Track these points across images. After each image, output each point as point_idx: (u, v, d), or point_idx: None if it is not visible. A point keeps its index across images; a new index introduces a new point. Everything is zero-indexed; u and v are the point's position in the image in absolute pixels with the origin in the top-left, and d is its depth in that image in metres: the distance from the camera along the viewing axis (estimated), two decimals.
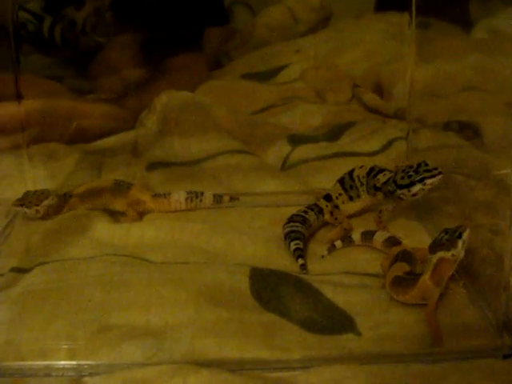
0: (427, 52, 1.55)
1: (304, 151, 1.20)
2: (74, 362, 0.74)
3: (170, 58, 1.69)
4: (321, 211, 1.01)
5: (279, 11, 1.92)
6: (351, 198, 1.02)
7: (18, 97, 1.09)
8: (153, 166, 1.17)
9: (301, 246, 0.94)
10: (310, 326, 0.80)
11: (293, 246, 0.93)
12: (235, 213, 1.05)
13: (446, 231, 0.83)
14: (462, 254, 0.82)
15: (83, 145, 1.23)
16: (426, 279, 0.81)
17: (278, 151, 1.21)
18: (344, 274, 0.91)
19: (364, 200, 1.02)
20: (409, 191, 0.95)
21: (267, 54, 1.77)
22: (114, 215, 1.04)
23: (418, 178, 0.94)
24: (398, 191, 0.96)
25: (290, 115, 1.36)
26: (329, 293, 0.86)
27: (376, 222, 1.00)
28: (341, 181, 1.03)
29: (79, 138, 1.25)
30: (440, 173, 0.94)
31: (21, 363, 0.74)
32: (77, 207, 1.05)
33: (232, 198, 1.07)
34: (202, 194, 1.05)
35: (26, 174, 1.06)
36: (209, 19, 1.83)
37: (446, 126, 1.11)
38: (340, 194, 1.02)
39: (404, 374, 0.73)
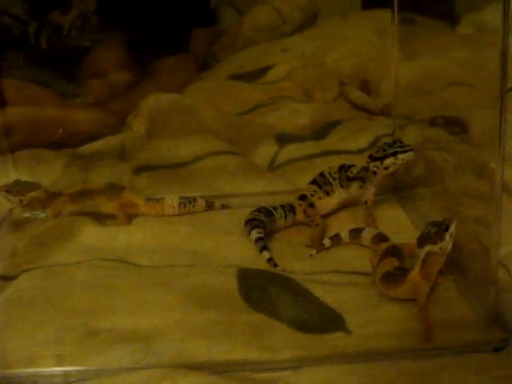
0: (412, 48, 1.55)
1: (291, 150, 1.20)
2: (61, 369, 0.73)
3: (156, 61, 1.69)
4: (292, 210, 1.01)
5: (266, 11, 1.92)
6: (328, 193, 1.02)
7: (1, 103, 1.09)
8: (140, 169, 1.16)
9: (263, 235, 0.94)
10: (299, 325, 0.79)
11: (255, 234, 0.94)
12: (223, 214, 1.05)
13: (432, 224, 0.82)
14: (450, 246, 0.81)
15: (70, 149, 1.22)
16: (415, 274, 0.81)
17: (265, 151, 1.21)
18: (333, 272, 0.90)
19: (339, 194, 1.03)
20: (381, 163, 0.99)
21: (254, 54, 1.77)
22: (102, 219, 1.03)
23: (391, 151, 0.98)
24: (372, 164, 0.99)
25: (277, 115, 1.36)
26: (318, 292, 0.85)
27: (364, 216, 1.00)
28: (313, 181, 1.03)
29: (65, 143, 1.25)
30: (412, 149, 0.99)
31: (7, 371, 0.73)
32: (66, 207, 1.04)
33: (224, 206, 1.07)
34: (195, 199, 1.05)
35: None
36: (195, 21, 1.83)
37: (433, 122, 1.11)
38: (315, 191, 1.02)
39: (396, 372, 0.73)
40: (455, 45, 1.26)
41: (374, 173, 1.00)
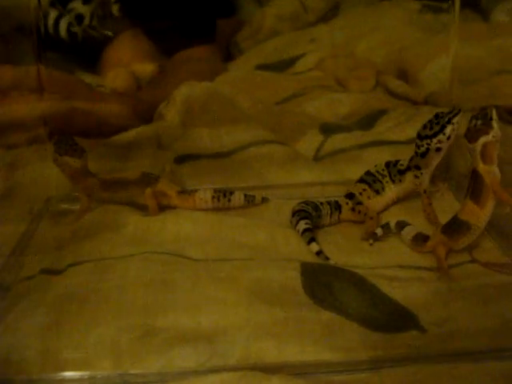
0: (446, 38, 1.50)
1: (337, 141, 1.14)
2: (119, 372, 0.67)
3: (181, 51, 1.64)
4: (338, 207, 0.95)
5: (288, 0, 1.88)
6: (378, 192, 0.96)
7: (41, 91, 1.04)
8: (181, 159, 1.10)
9: (311, 226, 0.89)
10: (370, 323, 0.74)
11: (302, 225, 0.89)
12: (271, 206, 0.99)
13: (476, 117, 0.85)
14: (499, 132, 0.83)
15: (103, 139, 1.17)
16: (481, 165, 0.83)
17: (309, 141, 1.14)
18: (397, 267, 0.85)
19: (391, 191, 0.97)
20: (443, 134, 0.93)
21: (281, 44, 1.72)
22: (142, 209, 0.97)
23: (445, 120, 0.93)
24: (434, 140, 0.93)
25: (315, 104, 1.30)
26: (385, 287, 0.79)
27: (424, 206, 0.95)
28: (360, 180, 0.97)
29: (97, 132, 1.19)
30: (459, 110, 0.94)
31: (60, 374, 0.68)
32: (97, 192, 0.98)
33: (264, 199, 1.00)
34: (232, 193, 0.97)
35: (50, 170, 0.99)
36: (215, 10, 1.79)
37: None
38: (364, 190, 0.96)
39: (483, 374, 0.67)
40: (491, 33, 1.22)
41: (438, 149, 0.94)
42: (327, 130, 1.17)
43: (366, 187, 0.96)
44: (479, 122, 0.84)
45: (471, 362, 0.69)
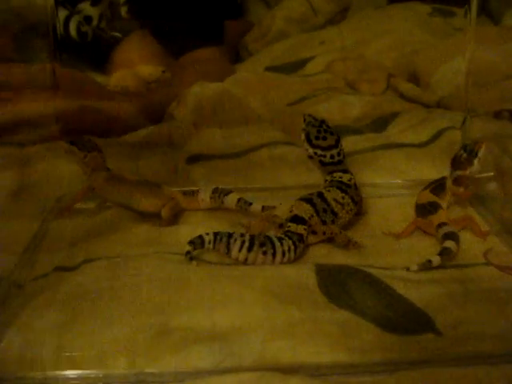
0: (456, 41, 1.50)
1: (350, 143, 1.13)
2: (135, 371, 0.67)
3: (189, 52, 1.64)
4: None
5: (298, 2, 1.88)
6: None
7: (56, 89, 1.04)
8: (193, 159, 1.10)
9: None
10: (385, 324, 0.73)
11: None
12: (286, 207, 0.98)
13: (465, 148, 0.94)
14: (479, 168, 0.93)
15: (113, 139, 1.16)
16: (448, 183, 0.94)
17: None
18: None
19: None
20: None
21: (290, 46, 1.72)
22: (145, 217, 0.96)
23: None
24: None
25: (327, 107, 1.30)
26: (400, 288, 0.79)
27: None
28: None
29: (107, 131, 1.19)
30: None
31: (75, 372, 0.67)
32: (102, 186, 0.95)
33: (266, 208, 0.95)
34: (228, 193, 0.95)
35: (62, 168, 0.99)
36: (222, 12, 1.79)
37: (497, 115, 1.06)
38: None
39: (500, 377, 0.67)
40: (503, 37, 1.22)
41: None
42: (339, 132, 1.16)
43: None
44: (464, 155, 0.94)
45: (488, 365, 0.68)
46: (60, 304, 0.74)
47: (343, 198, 0.91)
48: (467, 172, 0.93)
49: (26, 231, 0.91)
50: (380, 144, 1.12)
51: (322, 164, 0.93)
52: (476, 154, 0.93)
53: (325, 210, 0.89)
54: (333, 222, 0.89)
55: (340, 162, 0.94)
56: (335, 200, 0.90)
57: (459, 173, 0.94)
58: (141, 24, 1.68)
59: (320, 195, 0.91)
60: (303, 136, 0.93)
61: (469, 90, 1.07)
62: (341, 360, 0.68)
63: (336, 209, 0.90)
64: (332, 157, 0.93)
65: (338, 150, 0.93)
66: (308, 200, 0.90)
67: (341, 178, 0.93)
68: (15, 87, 1.01)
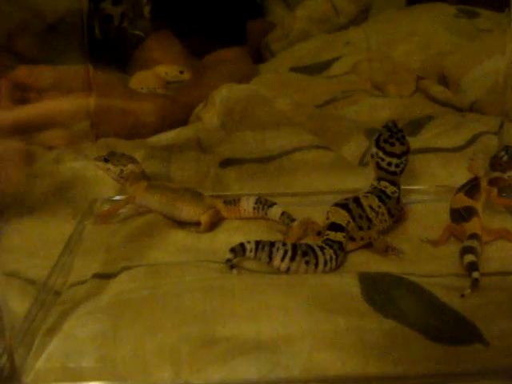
0: (482, 44, 1.47)
1: None
2: (180, 382, 0.65)
3: (212, 52, 1.63)
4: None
5: (320, 3, 1.86)
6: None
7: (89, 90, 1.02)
8: (226, 163, 1.08)
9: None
10: (432, 334, 0.71)
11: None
12: (319, 212, 0.97)
13: (507, 150, 0.91)
14: None
15: (140, 140, 1.15)
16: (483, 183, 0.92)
17: (355, 146, 1.12)
18: (454, 276, 0.82)
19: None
20: None
21: (314, 47, 1.70)
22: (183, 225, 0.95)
23: None
24: None
25: (356, 109, 1.28)
26: (444, 297, 0.77)
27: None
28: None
29: (133, 132, 1.18)
30: None
31: (118, 383, 0.66)
32: (143, 196, 0.94)
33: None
34: (272, 205, 0.93)
35: (94, 171, 0.97)
36: (242, 12, 1.78)
37: None
38: None
39: None
40: None
41: None
42: (372, 135, 1.15)
43: None
44: (505, 158, 0.91)
45: None
46: (102, 313, 0.72)
47: (379, 206, 0.89)
48: (505, 175, 0.91)
49: (60, 234, 0.90)
50: (415, 148, 1.10)
51: (378, 167, 0.92)
52: None
53: (361, 216, 0.88)
54: (368, 228, 0.88)
55: (394, 173, 0.92)
56: (370, 207, 0.89)
57: (497, 174, 0.91)
58: (163, 24, 1.67)
59: (356, 200, 0.89)
60: (376, 135, 0.92)
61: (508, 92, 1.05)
62: (388, 371, 0.67)
63: (370, 215, 0.88)
64: (389, 164, 0.91)
65: (399, 161, 0.91)
66: (344, 206, 0.89)
67: (385, 187, 0.91)
68: (43, 89, 1.00)
